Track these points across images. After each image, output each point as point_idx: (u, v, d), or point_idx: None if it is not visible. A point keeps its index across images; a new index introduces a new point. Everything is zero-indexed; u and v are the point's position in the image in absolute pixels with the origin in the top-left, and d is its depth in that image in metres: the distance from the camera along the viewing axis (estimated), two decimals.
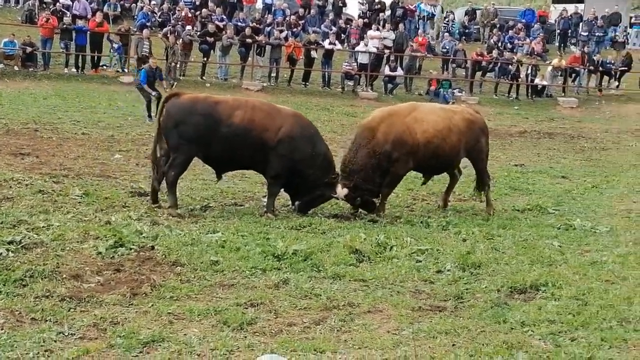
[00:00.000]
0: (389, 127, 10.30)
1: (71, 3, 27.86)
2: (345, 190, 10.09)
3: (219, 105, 9.88)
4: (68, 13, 26.35)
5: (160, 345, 5.40)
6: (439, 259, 7.96)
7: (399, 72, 27.80)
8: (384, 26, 30.06)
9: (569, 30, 34.69)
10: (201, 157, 10.16)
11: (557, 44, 34.49)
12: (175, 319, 5.94)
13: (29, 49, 24.18)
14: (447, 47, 29.84)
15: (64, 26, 24.84)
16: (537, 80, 28.95)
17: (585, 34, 33.33)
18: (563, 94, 29.51)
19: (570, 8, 35.73)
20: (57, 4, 27.29)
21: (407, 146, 10.28)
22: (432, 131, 10.42)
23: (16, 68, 24.07)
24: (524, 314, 6.33)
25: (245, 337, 5.65)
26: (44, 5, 27.86)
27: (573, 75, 30.10)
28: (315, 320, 6.08)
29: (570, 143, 21.01)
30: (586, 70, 30.01)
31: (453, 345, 5.68)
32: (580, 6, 36.73)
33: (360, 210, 10.49)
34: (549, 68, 29.48)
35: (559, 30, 34.72)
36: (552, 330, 6.01)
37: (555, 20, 35.89)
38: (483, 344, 5.68)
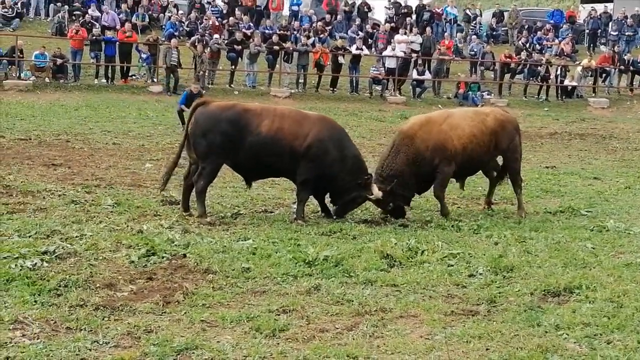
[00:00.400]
0: (428, 134, 10.40)
1: (100, 14, 28.22)
2: (380, 193, 10.08)
3: (247, 113, 9.84)
4: (97, 24, 26.66)
5: (193, 353, 5.42)
6: (470, 263, 7.91)
7: (427, 75, 27.73)
8: (411, 30, 30.02)
9: (599, 30, 34.38)
10: (230, 165, 10.19)
11: (586, 44, 34.21)
12: (208, 326, 5.96)
13: (59, 61, 24.50)
14: (475, 50, 29.72)
15: (93, 37, 25.10)
16: (566, 81, 28.73)
17: (615, 33, 33.04)
18: (594, 95, 29.27)
19: (600, 7, 35.43)
20: (87, 15, 27.63)
21: (447, 152, 10.39)
22: (467, 136, 10.52)
23: (47, 80, 24.38)
24: (558, 317, 6.26)
25: (278, 343, 5.65)
26: (74, 18, 28.23)
27: (603, 75, 29.86)
28: (347, 326, 6.06)
29: (601, 144, 20.80)
30: (617, 70, 29.75)
31: (487, 349, 5.64)
32: (610, 5, 36.43)
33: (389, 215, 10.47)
34: (579, 68, 29.26)
35: (588, 30, 34.44)
36: (587, 333, 5.95)
37: (584, 20, 35.62)
38: (517, 348, 5.63)
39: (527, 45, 30.90)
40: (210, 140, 9.69)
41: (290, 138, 9.76)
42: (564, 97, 28.67)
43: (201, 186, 9.79)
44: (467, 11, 35.06)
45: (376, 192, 10.06)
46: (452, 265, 7.82)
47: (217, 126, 9.68)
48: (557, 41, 32.15)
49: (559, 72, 28.65)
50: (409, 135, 10.46)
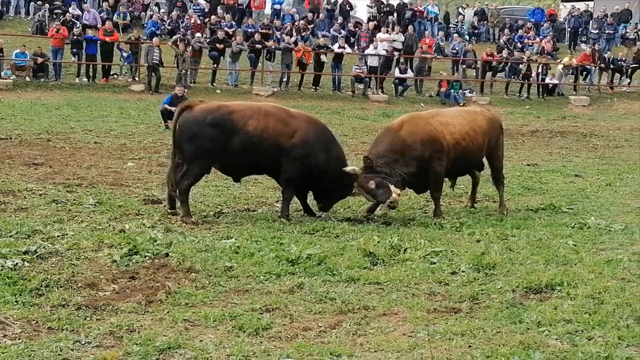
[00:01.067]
0: (415, 127, 10.28)
1: (81, 13, 28.05)
2: (373, 183, 9.89)
3: (232, 115, 9.78)
4: (78, 23, 26.50)
5: (176, 352, 5.41)
6: (453, 261, 7.93)
7: (409, 74, 27.79)
8: (393, 29, 30.06)
9: (579, 28, 34.59)
10: (217, 167, 10.16)
11: (567, 42, 34.40)
12: (191, 325, 5.95)
13: (40, 60, 24.34)
14: (457, 48, 29.82)
15: (75, 37, 24.95)
16: (548, 79, 28.89)
17: (596, 31, 33.28)
18: (574, 93, 29.45)
19: (580, 6, 35.65)
20: (67, 14, 27.46)
21: (437, 145, 10.23)
22: (458, 134, 10.46)
23: (28, 79, 24.24)
24: (540, 314, 6.30)
25: (261, 342, 5.65)
26: (54, 16, 28.05)
27: (584, 73, 30.06)
28: (330, 324, 6.07)
29: (582, 141, 20.92)
30: (597, 68, 29.92)
31: (469, 346, 5.66)
32: (590, 4, 36.67)
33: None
34: (560, 67, 29.42)
35: (569, 29, 34.64)
36: (569, 329, 5.98)
37: (565, 19, 35.83)
38: (499, 345, 5.65)
39: (509, 43, 31.03)
40: (196, 144, 9.64)
41: (276, 136, 9.75)
42: (545, 95, 28.82)
43: (185, 186, 9.73)
44: (459, 9, 35.29)
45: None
46: (435, 263, 7.85)
47: (203, 131, 9.63)
48: (538, 39, 32.30)
49: (540, 70, 28.80)
50: (393, 128, 10.38)
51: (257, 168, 10.26)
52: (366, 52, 28.13)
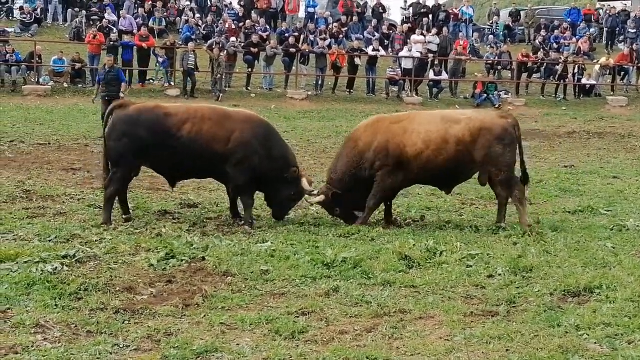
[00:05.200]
0: (373, 136, 9.71)
1: (117, 19, 28.39)
2: (322, 197, 9.67)
3: (167, 116, 9.36)
4: (114, 29, 26.82)
5: (213, 356, 5.43)
6: (490, 264, 7.87)
7: (444, 76, 27.67)
8: (428, 31, 29.96)
9: (617, 28, 34.18)
10: (150, 167, 9.90)
11: (604, 42, 34.00)
12: (228, 329, 5.97)
13: (77, 66, 24.65)
14: (489, 52, 29.62)
15: (111, 42, 25.23)
16: (585, 80, 28.57)
17: (634, 31, 32.81)
18: (612, 93, 29.11)
19: (618, 5, 35.22)
20: (104, 20, 27.79)
21: (391, 157, 9.58)
22: (422, 143, 9.55)
23: (65, 85, 24.61)
24: (578, 318, 6.22)
25: (297, 346, 5.66)
26: (91, 22, 28.38)
27: (622, 73, 29.66)
28: (366, 328, 6.06)
29: (620, 142, 20.65)
30: (635, 67, 29.51)
31: (507, 350, 5.61)
32: (628, 3, 36.20)
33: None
34: (597, 67, 29.08)
35: (606, 29, 34.24)
36: (608, 333, 5.90)
37: (602, 18, 35.42)
38: (537, 349, 5.60)
39: (544, 44, 30.75)
40: (125, 145, 9.26)
41: (210, 141, 9.33)
42: (582, 95, 28.53)
43: (110, 192, 9.37)
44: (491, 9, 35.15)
45: (305, 185, 9.65)
46: (471, 266, 7.79)
47: (134, 131, 9.26)
48: (574, 40, 31.96)
49: (576, 70, 28.50)
50: (354, 136, 9.95)
51: (195, 173, 9.86)
52: (400, 54, 28.05)
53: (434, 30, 29.89)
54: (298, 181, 9.68)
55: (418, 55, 27.74)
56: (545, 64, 28.54)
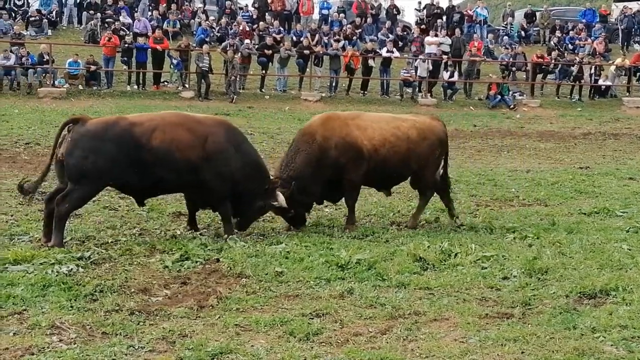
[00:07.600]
0: (331, 131, 9.49)
1: (132, 21, 28.51)
2: (286, 191, 9.17)
3: (134, 127, 8.47)
4: (129, 31, 26.93)
5: (227, 357, 5.44)
6: (504, 265, 7.84)
7: (456, 77, 27.60)
8: (441, 32, 29.90)
9: (633, 29, 34.00)
10: (115, 185, 8.98)
11: (619, 42, 33.83)
12: (242, 330, 5.98)
13: (92, 68, 24.77)
14: (504, 54, 29.51)
15: (126, 45, 25.34)
16: (600, 81, 28.44)
17: None
18: (628, 94, 28.93)
19: (633, 6, 35.03)
20: (118, 23, 27.91)
21: (354, 151, 9.44)
22: (378, 140, 9.57)
23: (80, 87, 24.69)
24: (594, 320, 6.19)
25: (312, 347, 5.66)
26: (106, 25, 28.50)
27: (637, 74, 29.48)
28: (381, 330, 6.05)
29: (636, 144, 20.57)
30: None
31: (522, 353, 5.59)
32: None
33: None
34: (612, 68, 28.93)
35: (622, 29, 34.06)
36: (625, 335, 5.87)
37: (617, 19, 35.23)
38: (553, 351, 5.58)
39: (559, 45, 30.62)
40: (91, 162, 8.25)
41: (186, 149, 8.59)
42: (597, 96, 28.39)
43: (65, 210, 8.29)
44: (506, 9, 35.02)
45: (281, 199, 9.10)
46: (486, 268, 7.77)
47: (101, 147, 8.30)
48: (589, 40, 31.81)
49: (592, 71, 28.37)
50: (309, 132, 9.57)
51: (164, 187, 8.97)
52: (418, 57, 27.95)
53: (444, 32, 29.77)
54: (273, 192, 9.12)
55: (433, 55, 27.69)
56: (560, 65, 28.42)
